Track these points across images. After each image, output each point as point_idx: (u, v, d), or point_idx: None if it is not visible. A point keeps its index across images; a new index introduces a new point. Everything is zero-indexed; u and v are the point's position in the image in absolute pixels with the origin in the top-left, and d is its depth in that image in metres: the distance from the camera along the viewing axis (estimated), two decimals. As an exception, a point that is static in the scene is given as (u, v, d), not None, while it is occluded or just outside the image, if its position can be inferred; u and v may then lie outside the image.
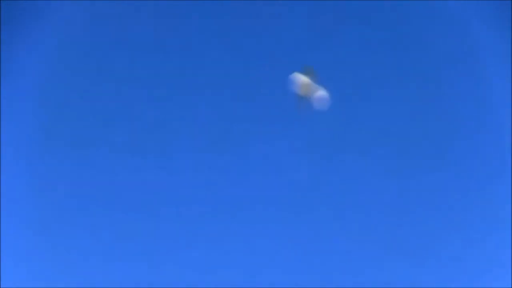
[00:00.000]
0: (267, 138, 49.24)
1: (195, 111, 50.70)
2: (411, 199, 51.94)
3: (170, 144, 52.41)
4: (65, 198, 48.86)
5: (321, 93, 15.07)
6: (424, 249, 48.24)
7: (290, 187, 49.53)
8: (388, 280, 45.33)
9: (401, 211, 51.75)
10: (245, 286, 44.04)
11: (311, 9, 46.42)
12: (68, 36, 49.51)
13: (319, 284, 44.40)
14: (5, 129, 43.16)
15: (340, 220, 49.36)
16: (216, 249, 48.20)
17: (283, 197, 48.34)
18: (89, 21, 50.62)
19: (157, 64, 48.11)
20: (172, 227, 48.62)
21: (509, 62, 42.80)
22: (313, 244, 46.97)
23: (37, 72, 46.62)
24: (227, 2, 48.48)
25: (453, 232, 48.55)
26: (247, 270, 45.99)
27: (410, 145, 54.08)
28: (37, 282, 42.17)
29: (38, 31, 42.47)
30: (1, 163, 45.21)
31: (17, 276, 40.13)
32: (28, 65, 46.13)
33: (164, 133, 54.16)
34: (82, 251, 46.99)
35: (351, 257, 47.45)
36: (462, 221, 49.14)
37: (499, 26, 41.99)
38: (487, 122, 51.53)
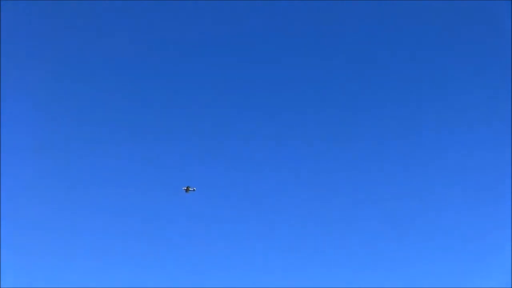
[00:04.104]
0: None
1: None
2: (409, 200, 50.01)
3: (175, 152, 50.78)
4: (66, 199, 47.10)
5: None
6: (424, 249, 46.55)
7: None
8: (389, 281, 43.99)
9: (400, 211, 49.91)
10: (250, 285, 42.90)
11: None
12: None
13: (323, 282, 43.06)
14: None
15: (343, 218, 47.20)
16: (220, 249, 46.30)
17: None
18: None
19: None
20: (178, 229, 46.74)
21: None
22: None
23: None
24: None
25: (453, 233, 46.93)
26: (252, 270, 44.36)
27: (409, 145, 51.97)
28: (37, 282, 41.11)
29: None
30: (1, 163, 43.91)
31: (17, 276, 39.12)
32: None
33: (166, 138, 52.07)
34: (82, 251, 45.28)
35: (352, 258, 45.54)
36: (462, 222, 47.51)
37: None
38: (487, 122, 49.49)
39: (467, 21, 54.88)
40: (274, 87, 55.81)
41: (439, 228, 48.66)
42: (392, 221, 49.27)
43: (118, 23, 55.88)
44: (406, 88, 55.24)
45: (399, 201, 50.24)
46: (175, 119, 53.93)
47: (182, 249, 47.65)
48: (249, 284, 44.37)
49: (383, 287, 44.22)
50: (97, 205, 49.16)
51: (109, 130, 52.53)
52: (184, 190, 42.18)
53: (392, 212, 49.68)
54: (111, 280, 44.21)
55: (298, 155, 53.21)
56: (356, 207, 50.03)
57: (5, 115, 48.36)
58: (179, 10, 56.56)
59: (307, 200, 50.62)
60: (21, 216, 45.92)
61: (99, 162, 51.14)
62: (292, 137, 53.85)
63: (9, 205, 44.87)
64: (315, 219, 49.28)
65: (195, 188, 42.84)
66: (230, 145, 53.14)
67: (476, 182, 50.17)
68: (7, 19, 50.60)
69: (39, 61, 52.85)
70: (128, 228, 48.10)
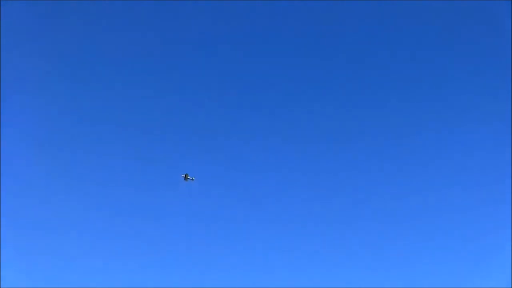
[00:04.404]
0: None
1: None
2: (409, 200, 50.13)
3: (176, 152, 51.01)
4: (66, 199, 47.30)
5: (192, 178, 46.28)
6: (423, 249, 46.61)
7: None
8: (389, 280, 44.08)
9: (400, 213, 49.85)
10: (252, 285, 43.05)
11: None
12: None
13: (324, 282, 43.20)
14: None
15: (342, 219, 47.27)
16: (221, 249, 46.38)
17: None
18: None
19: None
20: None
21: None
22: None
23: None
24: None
25: (453, 233, 46.97)
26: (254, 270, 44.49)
27: (409, 145, 52.10)
28: (37, 282, 41.19)
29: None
30: (1, 163, 43.92)
31: (17, 276, 39.17)
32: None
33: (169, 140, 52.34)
34: (83, 251, 45.35)
35: (352, 259, 45.64)
36: (462, 222, 47.55)
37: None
38: (487, 122, 49.77)
39: (467, 21, 54.92)
40: (274, 87, 55.88)
41: (439, 228, 48.71)
42: (392, 221, 49.34)
43: (118, 23, 56.00)
44: (406, 88, 55.31)
45: (399, 201, 50.29)
46: (176, 118, 54.01)
47: (182, 249, 47.78)
48: (249, 284, 44.43)
49: (383, 287, 44.27)
50: (98, 204, 49.24)
51: (109, 129, 52.63)
52: (183, 178, 41.65)
53: (392, 212, 49.74)
54: (111, 280, 44.30)
55: (298, 155, 53.31)
56: (356, 207, 50.09)
57: (5, 115, 48.42)
58: (180, 10, 56.68)
59: (307, 199, 50.72)
60: (21, 216, 45.97)
61: (100, 161, 51.22)
62: (292, 136, 53.94)
63: (9, 205, 44.89)
64: (315, 219, 49.36)
65: (194, 178, 42.62)
66: (230, 145, 53.23)
67: (476, 182, 50.22)
68: (7, 19, 50.64)
69: (39, 61, 52.90)
70: (128, 228, 48.16)
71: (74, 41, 54.15)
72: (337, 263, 46.86)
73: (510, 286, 39.59)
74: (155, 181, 51.37)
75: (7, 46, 50.07)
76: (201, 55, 56.14)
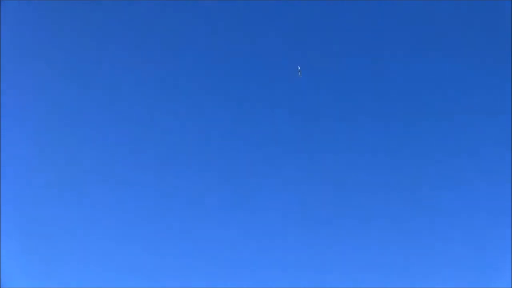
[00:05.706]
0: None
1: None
2: (409, 200, 49.72)
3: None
4: (67, 199, 46.85)
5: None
6: (423, 250, 46.31)
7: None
8: (389, 281, 43.74)
9: (400, 213, 49.62)
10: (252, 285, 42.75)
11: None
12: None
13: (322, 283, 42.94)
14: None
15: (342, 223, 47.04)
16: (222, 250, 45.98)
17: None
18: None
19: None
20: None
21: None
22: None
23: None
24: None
25: (453, 233, 46.70)
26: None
27: (408, 144, 51.67)
28: (37, 282, 40.90)
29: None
30: (1, 163, 43.65)
31: (17, 276, 38.98)
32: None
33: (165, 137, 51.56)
34: (83, 251, 44.94)
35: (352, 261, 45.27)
36: (462, 222, 47.21)
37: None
38: (487, 122, 49.37)
39: (467, 21, 54.83)
40: (273, 88, 55.86)
41: (438, 228, 48.68)
42: (391, 221, 49.31)
43: (119, 23, 55.89)
44: (405, 88, 55.31)
45: (398, 201, 50.28)
46: (175, 119, 53.95)
47: (183, 250, 47.74)
48: (249, 283, 44.37)
49: (383, 287, 44.18)
50: (98, 204, 49.20)
51: (110, 129, 52.58)
52: (298, 70, 47.34)
53: (391, 212, 49.73)
54: (112, 279, 44.25)
55: (296, 154, 53.29)
56: (354, 207, 50.09)
57: (5, 115, 48.31)
58: (180, 10, 56.57)
59: (307, 199, 50.76)
60: (21, 216, 45.89)
61: (100, 161, 51.20)
62: (291, 136, 53.93)
63: (9, 205, 44.81)
64: (316, 219, 49.39)
65: (300, 74, 47.64)
66: (230, 147, 53.19)
67: (476, 182, 50.17)
68: (7, 19, 50.54)
69: (39, 61, 52.81)
70: (129, 228, 48.13)
71: (74, 41, 54.09)
72: (337, 263, 46.92)
73: (510, 286, 39.54)
74: (155, 181, 51.42)
75: (7, 46, 50.03)
76: (198, 56, 56.07)
